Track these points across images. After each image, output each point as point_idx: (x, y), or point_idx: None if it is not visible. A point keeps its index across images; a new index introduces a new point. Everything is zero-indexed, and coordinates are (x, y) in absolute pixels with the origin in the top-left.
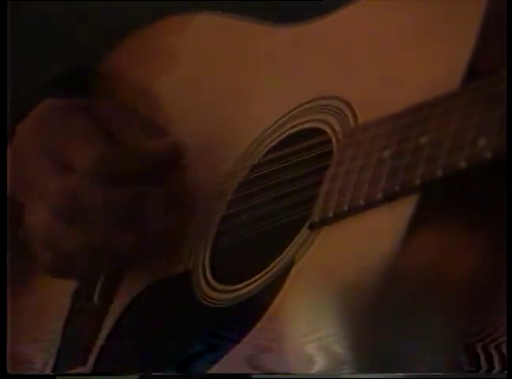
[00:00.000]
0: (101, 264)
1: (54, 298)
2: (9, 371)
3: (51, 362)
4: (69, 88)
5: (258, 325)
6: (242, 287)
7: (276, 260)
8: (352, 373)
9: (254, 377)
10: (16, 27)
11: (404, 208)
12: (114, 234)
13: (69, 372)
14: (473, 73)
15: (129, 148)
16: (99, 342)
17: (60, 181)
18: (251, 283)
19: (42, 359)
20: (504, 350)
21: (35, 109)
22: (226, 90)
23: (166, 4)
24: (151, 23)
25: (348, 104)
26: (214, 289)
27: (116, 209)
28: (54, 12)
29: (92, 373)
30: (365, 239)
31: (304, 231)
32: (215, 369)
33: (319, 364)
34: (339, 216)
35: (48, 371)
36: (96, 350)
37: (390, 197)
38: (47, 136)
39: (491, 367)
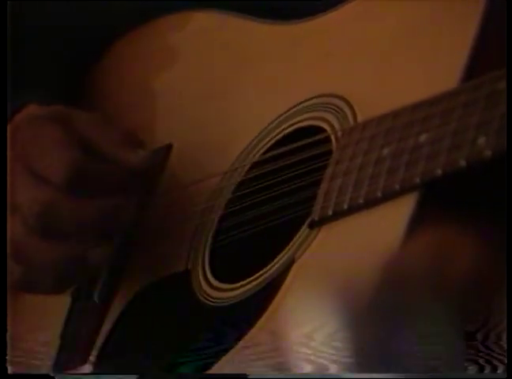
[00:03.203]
0: (72, 278)
1: (54, 297)
2: (10, 371)
3: (51, 362)
4: (55, 94)
5: (259, 324)
6: (243, 286)
7: (277, 259)
8: (352, 373)
9: (254, 377)
10: (16, 27)
11: (404, 207)
12: (87, 249)
13: (69, 372)
14: (473, 71)
15: (104, 160)
16: (99, 341)
17: (32, 192)
18: (251, 282)
19: (42, 359)
20: (504, 349)
21: (16, 116)
22: (224, 88)
23: (165, 3)
24: (149, 21)
25: (347, 102)
26: (214, 287)
27: (89, 222)
28: (54, 12)
29: (92, 373)
30: (365, 238)
31: (304, 230)
32: (215, 369)
33: (319, 363)
34: (339, 215)
35: (48, 371)
36: (96, 349)
37: (390, 196)
38: (23, 145)
39: (491, 367)
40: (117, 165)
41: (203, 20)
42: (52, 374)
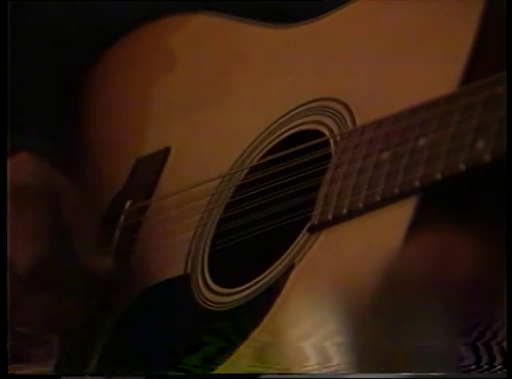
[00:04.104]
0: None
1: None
2: (10, 371)
3: (53, 363)
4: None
5: (259, 328)
6: (243, 290)
7: (276, 263)
8: (352, 374)
9: (256, 377)
10: (16, 27)
11: (403, 211)
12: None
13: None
14: (472, 74)
15: (73, 257)
16: (100, 344)
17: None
18: (251, 286)
19: (43, 360)
20: (504, 349)
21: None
22: (222, 91)
23: (165, 4)
24: (149, 23)
25: (345, 106)
26: (214, 292)
27: (41, 317)
28: (54, 12)
29: (93, 374)
30: (364, 242)
31: (304, 234)
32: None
33: (319, 366)
34: (338, 219)
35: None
36: (96, 352)
37: (389, 200)
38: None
39: (491, 366)
40: (82, 268)
41: (200, 23)
42: (53, 374)
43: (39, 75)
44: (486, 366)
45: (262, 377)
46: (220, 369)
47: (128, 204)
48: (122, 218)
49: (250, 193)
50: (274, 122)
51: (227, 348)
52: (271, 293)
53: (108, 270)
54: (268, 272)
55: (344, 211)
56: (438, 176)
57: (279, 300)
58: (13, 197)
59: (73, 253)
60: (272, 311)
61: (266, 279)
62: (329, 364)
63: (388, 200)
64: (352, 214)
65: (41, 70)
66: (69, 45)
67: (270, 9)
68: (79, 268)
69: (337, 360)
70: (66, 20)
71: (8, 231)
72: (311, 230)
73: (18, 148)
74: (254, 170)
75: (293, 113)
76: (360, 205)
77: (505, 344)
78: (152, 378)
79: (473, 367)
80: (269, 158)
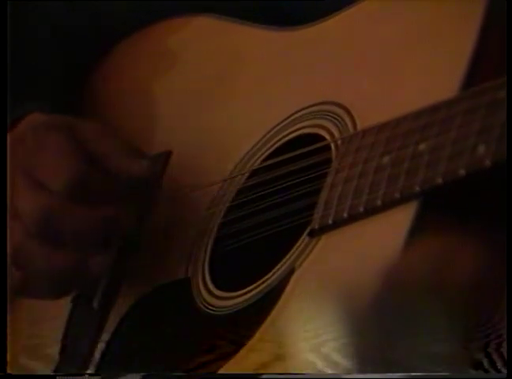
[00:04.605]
0: (71, 285)
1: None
2: (9, 371)
3: (52, 365)
4: (57, 102)
5: (259, 332)
6: (243, 294)
7: (277, 267)
8: (353, 374)
9: (257, 377)
10: (16, 27)
11: (404, 215)
12: (87, 257)
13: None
14: (473, 79)
15: (106, 169)
16: (100, 347)
17: (34, 200)
18: (252, 290)
19: (43, 360)
20: (504, 350)
21: (19, 124)
22: (224, 94)
23: (166, 5)
24: (150, 24)
25: (346, 110)
26: (214, 296)
27: (89, 231)
28: (54, 12)
29: (93, 374)
30: (365, 246)
31: (304, 238)
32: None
33: (321, 368)
34: (339, 223)
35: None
36: (96, 355)
37: (390, 204)
38: (26, 153)
39: (491, 368)
40: (119, 174)
41: (203, 25)
42: (52, 374)
43: (39, 75)
44: (486, 368)
45: (262, 377)
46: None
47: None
48: None
49: (250, 197)
50: (275, 126)
51: (228, 352)
52: (271, 297)
53: (144, 167)
54: (268, 275)
55: (345, 215)
56: (439, 180)
57: (279, 304)
58: (33, 133)
59: (105, 166)
60: (273, 315)
61: (267, 283)
62: (330, 367)
63: (388, 205)
64: (353, 218)
65: (41, 70)
66: (70, 45)
67: (271, 11)
68: (115, 176)
69: (338, 363)
70: (66, 20)
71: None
72: (312, 234)
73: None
74: (254, 173)
75: (294, 117)
76: (361, 209)
77: (505, 345)
78: (152, 378)
79: (473, 368)
80: (270, 162)
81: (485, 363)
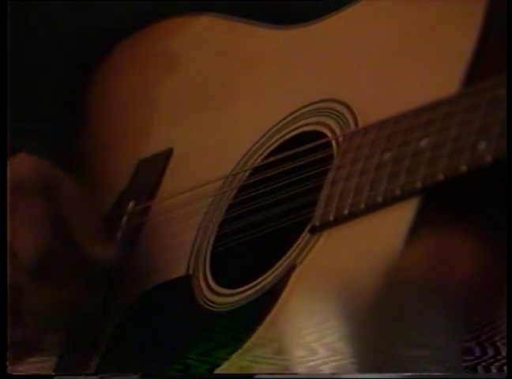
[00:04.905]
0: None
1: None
2: (9, 371)
3: (53, 364)
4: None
5: (260, 329)
6: (244, 291)
7: (278, 264)
8: (353, 374)
9: (260, 377)
10: (16, 27)
11: (405, 212)
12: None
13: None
14: (474, 76)
15: (75, 248)
16: (101, 345)
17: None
18: (253, 287)
19: (43, 360)
20: (504, 350)
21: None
22: (225, 93)
23: (166, 4)
24: (150, 24)
25: (348, 107)
26: (215, 293)
27: (48, 310)
28: (54, 12)
29: (93, 374)
30: (366, 243)
31: (305, 235)
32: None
33: (320, 367)
34: (340, 220)
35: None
36: (97, 353)
37: (391, 201)
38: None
39: (491, 367)
40: (86, 257)
41: (203, 24)
42: (52, 374)
43: (39, 75)
44: (486, 367)
45: (263, 376)
46: (221, 370)
47: (131, 205)
48: (125, 219)
49: (252, 194)
50: (277, 124)
51: (229, 349)
52: (272, 294)
53: (111, 259)
54: (269, 272)
55: (346, 212)
56: (440, 177)
57: (280, 301)
58: (12, 192)
59: (74, 245)
60: (274, 312)
61: (268, 280)
62: (330, 364)
63: (390, 201)
64: (354, 215)
65: (41, 70)
66: (70, 45)
67: (272, 10)
68: (81, 258)
69: (338, 360)
70: (66, 20)
71: (8, 225)
72: (313, 231)
73: (18, 149)
74: (256, 171)
75: (295, 114)
76: (362, 206)
77: (505, 345)
78: (151, 378)
79: (474, 367)
80: (271, 159)
81: (486, 362)
